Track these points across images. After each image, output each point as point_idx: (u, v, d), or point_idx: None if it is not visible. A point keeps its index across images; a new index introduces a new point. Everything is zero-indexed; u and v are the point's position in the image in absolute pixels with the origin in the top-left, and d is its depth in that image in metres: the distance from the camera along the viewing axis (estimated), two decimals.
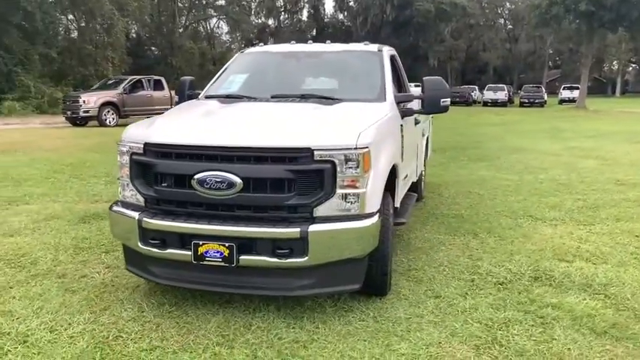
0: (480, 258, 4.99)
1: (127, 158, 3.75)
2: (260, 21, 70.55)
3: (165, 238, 3.58)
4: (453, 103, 44.59)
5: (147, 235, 3.62)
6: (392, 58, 5.33)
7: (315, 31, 72.39)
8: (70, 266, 4.72)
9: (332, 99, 4.49)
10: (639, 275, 4.56)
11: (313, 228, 3.38)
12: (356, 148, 3.45)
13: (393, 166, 4.21)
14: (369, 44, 5.36)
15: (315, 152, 3.39)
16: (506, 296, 4.09)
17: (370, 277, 3.86)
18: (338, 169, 3.42)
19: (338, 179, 3.43)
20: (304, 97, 4.54)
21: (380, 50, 5.17)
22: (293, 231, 3.36)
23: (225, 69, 5.37)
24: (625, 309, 3.88)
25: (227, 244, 3.41)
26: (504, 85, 47.35)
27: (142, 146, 3.67)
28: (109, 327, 3.53)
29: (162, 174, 3.60)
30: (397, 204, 4.60)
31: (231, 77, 5.20)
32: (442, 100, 4.78)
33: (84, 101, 19.34)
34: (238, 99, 4.69)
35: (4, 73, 29.39)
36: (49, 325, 3.57)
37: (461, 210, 6.86)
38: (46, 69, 32.86)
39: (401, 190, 4.71)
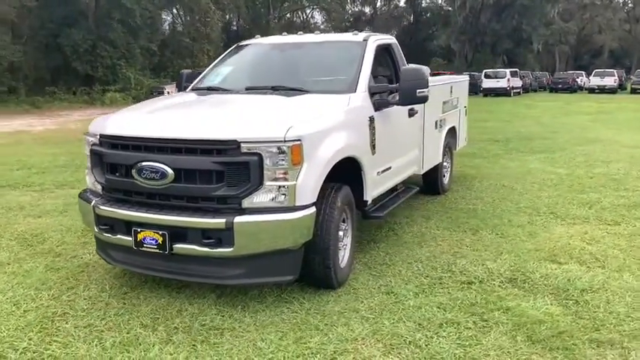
0: (463, 256, 4.78)
1: (88, 149, 4.02)
2: (357, 9, 70.48)
3: (113, 224, 3.82)
4: (555, 90, 42.28)
5: (100, 220, 3.88)
6: (380, 48, 5.19)
7: (412, 17, 71.05)
8: (70, 247, 5.14)
9: (300, 90, 4.49)
10: (630, 283, 4.15)
11: (239, 219, 3.44)
12: (284, 141, 3.46)
13: (354, 159, 4.16)
14: (358, 34, 5.27)
15: (242, 145, 3.45)
16: (464, 297, 3.91)
17: (313, 270, 3.87)
18: (265, 161, 3.45)
19: (266, 171, 3.46)
20: (275, 89, 4.58)
21: (365, 40, 5.06)
22: (219, 221, 3.45)
23: (219, 61, 5.53)
24: (586, 317, 3.58)
25: (161, 232, 3.58)
26: (614, 70, 43.54)
27: (98, 137, 3.92)
28: (64, 304, 3.84)
29: (111, 164, 3.83)
30: (367, 197, 4.52)
31: (221, 69, 5.36)
32: (418, 90, 4.61)
33: (167, 92, 20.51)
34: (215, 91, 4.83)
35: (109, 66, 31.91)
36: (16, 299, 3.94)
37: (479, 205, 6.55)
38: (147, 62, 35.14)
39: (374, 183, 4.61)
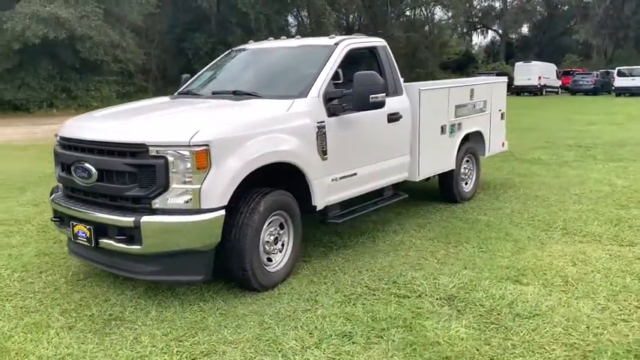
0: (422, 268, 4.58)
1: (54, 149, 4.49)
2: (485, 4, 67.57)
3: (62, 217, 4.23)
4: None
5: (55, 213, 4.32)
6: (355, 53, 5.12)
7: (546, 10, 66.52)
8: None
9: (254, 95, 4.62)
10: (582, 311, 3.72)
11: (146, 219, 3.66)
12: (189, 146, 3.61)
13: (294, 165, 4.20)
14: (335, 37, 5.22)
15: (150, 148, 3.66)
16: (382, 310, 3.77)
17: (231, 272, 3.99)
18: (171, 165, 3.62)
19: (172, 174, 3.63)
20: (235, 94, 4.75)
21: (336, 44, 5.01)
22: (129, 220, 3.69)
23: (209, 66, 5.79)
24: (493, 344, 3.30)
25: (87, 227, 3.90)
26: None
27: (58, 139, 4.36)
28: (23, 286, 4.32)
29: (61, 162, 4.24)
30: (316, 203, 4.51)
31: (205, 73, 5.63)
32: (372, 96, 4.51)
33: None
34: (187, 95, 5.11)
35: None
36: None
37: (489, 216, 6.15)
38: None
39: (328, 189, 4.58)
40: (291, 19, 44.17)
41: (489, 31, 68.84)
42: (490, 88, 7.03)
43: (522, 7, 67.29)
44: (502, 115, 7.43)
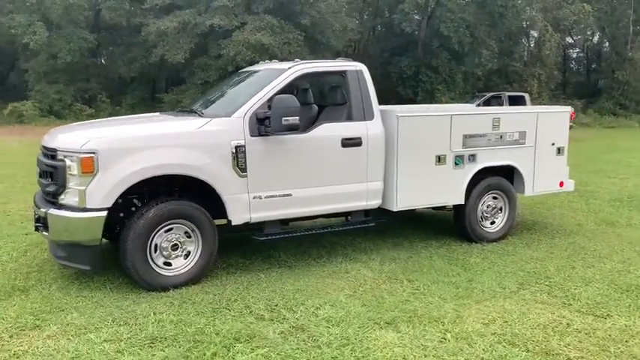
0: (327, 302, 4.39)
1: None
2: None
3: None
4: None
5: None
6: (310, 76, 5.20)
7: None
8: None
9: (196, 113, 5.09)
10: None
11: (51, 211, 4.39)
12: (79, 152, 4.26)
13: (201, 181, 4.54)
14: (297, 62, 5.30)
15: (58, 152, 4.40)
16: (213, 324, 3.87)
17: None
18: (68, 168, 4.31)
19: (68, 175, 4.32)
20: (191, 112, 5.27)
21: (289, 68, 5.11)
22: (42, 210, 4.48)
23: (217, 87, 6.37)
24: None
25: (36, 217, 4.75)
26: None
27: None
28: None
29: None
30: (231, 218, 4.74)
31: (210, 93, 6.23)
32: (284, 118, 4.57)
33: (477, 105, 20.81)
34: (172, 112, 5.78)
35: (428, 91, 34.04)
36: None
37: (493, 262, 5.41)
38: (469, 86, 35.88)
39: (248, 206, 4.76)
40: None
41: None
42: (533, 118, 6.18)
43: None
44: (559, 150, 6.43)
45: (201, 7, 25.90)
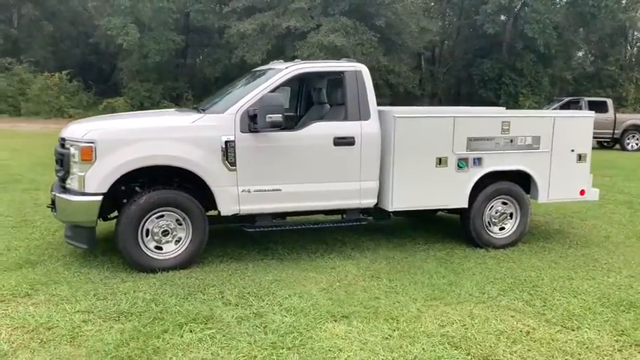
0: (285, 288, 4.61)
1: None
2: None
3: None
4: None
5: None
6: (306, 76, 5.37)
7: None
8: None
9: (197, 110, 5.44)
10: None
11: (58, 194, 4.90)
12: (80, 142, 4.73)
13: (190, 172, 4.87)
14: (297, 62, 5.48)
15: (66, 141, 4.90)
16: (184, 307, 4.17)
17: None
18: (72, 156, 4.79)
19: (72, 162, 4.80)
20: (192, 109, 5.63)
21: (286, 68, 5.31)
22: (53, 194, 5.00)
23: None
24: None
25: (51, 199, 5.29)
26: None
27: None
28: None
29: None
30: (221, 209, 5.03)
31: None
32: (268, 115, 4.78)
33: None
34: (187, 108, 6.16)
35: (511, 94, 32.81)
36: None
37: (485, 266, 5.36)
38: (557, 90, 34.16)
39: (237, 198, 5.01)
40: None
41: None
42: (548, 123, 5.96)
43: None
44: (580, 156, 6.14)
45: (279, 9, 26.65)
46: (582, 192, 6.27)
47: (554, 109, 20.02)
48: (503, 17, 33.75)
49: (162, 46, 29.03)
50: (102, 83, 34.13)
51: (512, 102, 32.73)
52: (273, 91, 5.12)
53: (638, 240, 6.53)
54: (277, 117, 4.79)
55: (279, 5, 26.86)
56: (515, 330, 3.92)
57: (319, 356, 3.47)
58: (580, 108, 19.88)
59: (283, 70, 5.30)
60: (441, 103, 35.47)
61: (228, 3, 28.30)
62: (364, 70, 5.49)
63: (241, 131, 4.99)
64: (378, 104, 5.52)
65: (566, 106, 20.37)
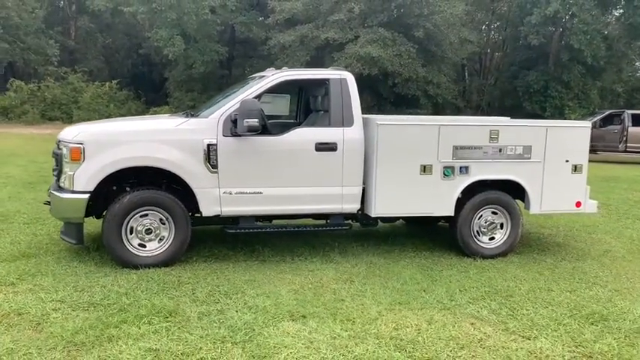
0: (228, 295, 4.72)
1: None
2: None
3: None
4: None
5: None
6: (290, 83, 5.53)
7: None
8: None
9: (188, 114, 5.69)
10: None
11: (53, 191, 5.23)
12: (70, 143, 5.04)
13: (173, 174, 5.11)
14: (284, 70, 5.64)
15: (61, 142, 5.23)
16: (155, 302, 4.36)
17: None
18: (64, 155, 5.11)
19: (64, 162, 5.12)
20: (186, 113, 5.86)
21: (272, 75, 5.49)
22: (50, 192, 5.34)
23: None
24: None
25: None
26: None
27: None
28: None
29: None
30: (202, 209, 5.24)
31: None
32: (245, 120, 4.96)
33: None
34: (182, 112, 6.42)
35: (557, 107, 31.92)
36: None
37: (474, 273, 5.36)
38: (606, 103, 33.00)
39: (218, 200, 5.20)
40: None
41: None
42: (540, 132, 5.88)
43: None
44: (575, 167, 6.02)
45: (319, 21, 26.97)
46: (578, 204, 6.13)
47: (595, 121, 19.36)
48: (550, 28, 32.96)
49: (207, 57, 29.84)
50: (153, 92, 35.43)
51: (558, 114, 31.83)
52: (257, 97, 5.30)
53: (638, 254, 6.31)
54: (254, 121, 4.95)
55: (318, 17, 27.19)
56: (469, 336, 3.91)
57: (262, 352, 3.58)
58: (622, 121, 19.20)
59: (268, 77, 5.48)
60: (483, 115, 34.89)
61: (270, 15, 28.86)
62: (349, 77, 5.60)
63: (224, 135, 5.18)
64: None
65: (608, 119, 19.72)
